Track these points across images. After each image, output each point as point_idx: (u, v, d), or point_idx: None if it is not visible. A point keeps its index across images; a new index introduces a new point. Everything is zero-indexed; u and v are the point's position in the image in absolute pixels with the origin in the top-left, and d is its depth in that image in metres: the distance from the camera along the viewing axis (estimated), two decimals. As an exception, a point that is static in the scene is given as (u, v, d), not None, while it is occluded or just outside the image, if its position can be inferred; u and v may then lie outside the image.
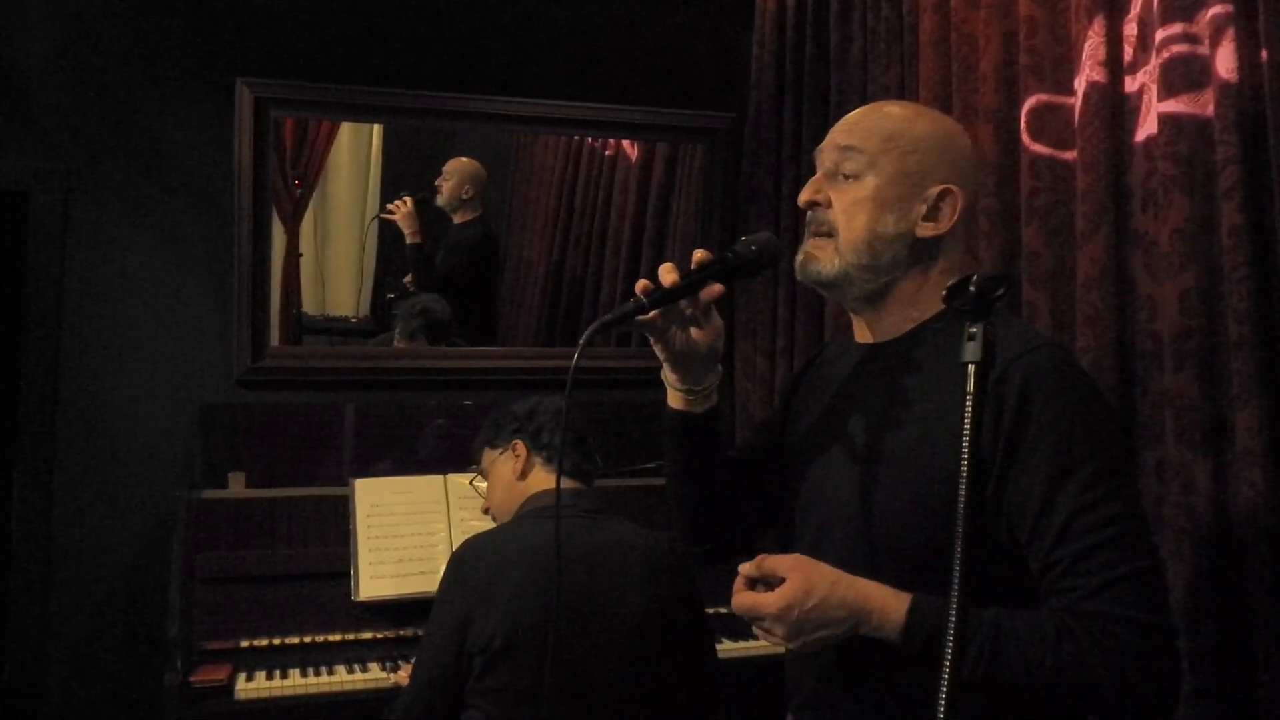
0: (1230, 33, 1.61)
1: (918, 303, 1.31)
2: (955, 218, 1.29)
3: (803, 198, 1.33)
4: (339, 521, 2.56)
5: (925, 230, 1.29)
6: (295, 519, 2.58)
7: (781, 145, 2.98)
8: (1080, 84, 1.91)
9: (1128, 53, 1.88)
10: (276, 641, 2.37)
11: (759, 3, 3.10)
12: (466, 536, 2.01)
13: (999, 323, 1.06)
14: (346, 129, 3.05)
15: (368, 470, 2.79)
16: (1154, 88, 1.78)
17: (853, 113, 1.37)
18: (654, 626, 1.90)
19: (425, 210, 3.09)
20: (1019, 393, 1.16)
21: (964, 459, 1.00)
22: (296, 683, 2.26)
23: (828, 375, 1.43)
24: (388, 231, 3.09)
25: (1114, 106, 1.88)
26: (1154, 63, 1.78)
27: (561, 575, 1.81)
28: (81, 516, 2.77)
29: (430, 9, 3.07)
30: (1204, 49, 1.68)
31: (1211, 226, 1.67)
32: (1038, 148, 2.03)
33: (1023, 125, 2.06)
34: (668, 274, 1.24)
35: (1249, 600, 1.56)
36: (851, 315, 1.38)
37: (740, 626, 2.44)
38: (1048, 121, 2.02)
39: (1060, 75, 2.02)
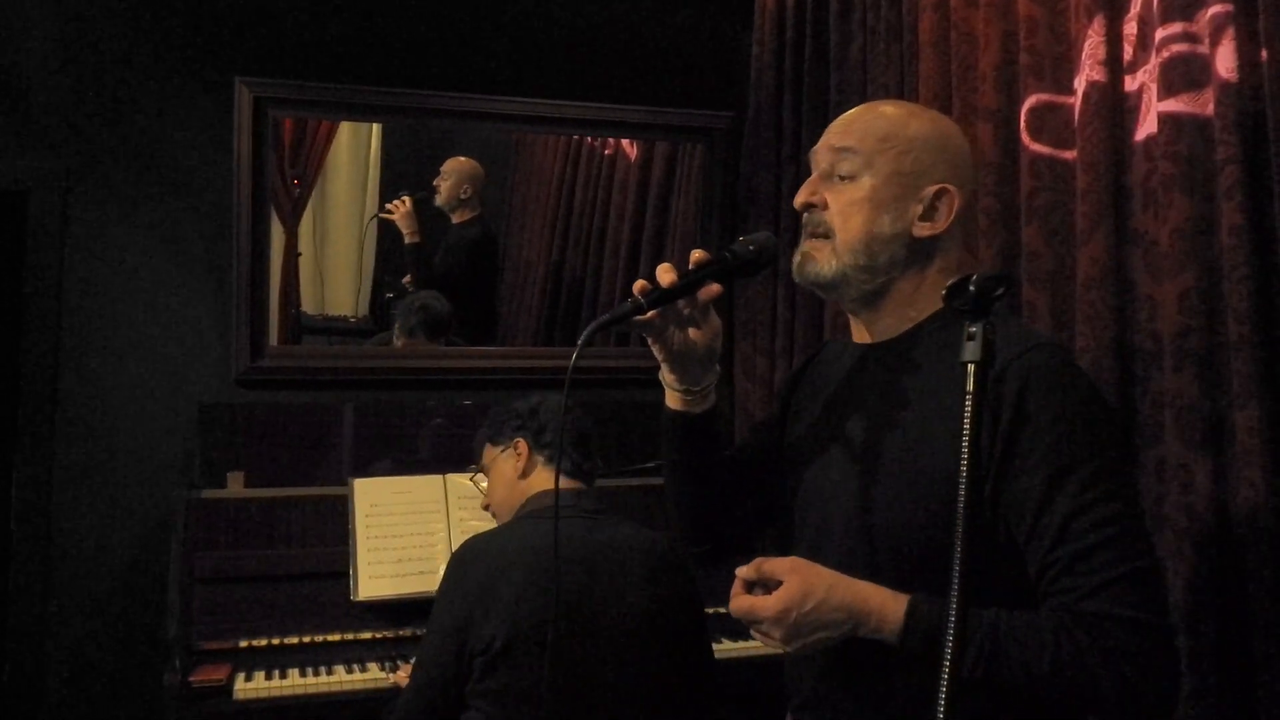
0: (1230, 32, 1.61)
1: (915, 303, 1.31)
2: (952, 217, 1.29)
3: (799, 200, 1.33)
4: (338, 521, 2.56)
5: (922, 230, 1.28)
6: (294, 519, 2.58)
7: (781, 144, 2.98)
8: (1080, 83, 1.91)
9: (1127, 52, 1.88)
10: (275, 641, 2.36)
11: (758, 2, 3.09)
12: (466, 536, 2.00)
13: (997, 322, 1.05)
14: (345, 128, 3.05)
15: (367, 470, 2.79)
16: (1154, 87, 1.78)
17: (847, 113, 1.37)
18: (654, 627, 1.90)
19: (424, 210, 3.09)
20: (1017, 392, 1.16)
21: (964, 459, 1.00)
22: (295, 683, 2.26)
23: (826, 375, 1.42)
24: (387, 231, 3.08)
25: (1114, 106, 1.88)
26: (1154, 62, 1.77)
27: (562, 576, 1.80)
28: (80, 516, 2.77)
29: (429, 8, 3.07)
30: (1204, 48, 1.67)
31: (1211, 226, 1.67)
32: (1037, 147, 2.02)
33: (1022, 125, 2.06)
34: (665, 274, 1.24)
35: (1249, 600, 1.56)
36: (849, 316, 1.38)
37: (740, 626, 2.43)
38: (1047, 121, 2.02)
39: (1060, 74, 2.02)
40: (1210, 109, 1.66)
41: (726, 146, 3.23)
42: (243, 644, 2.34)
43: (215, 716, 2.19)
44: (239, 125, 2.83)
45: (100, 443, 2.79)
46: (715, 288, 1.26)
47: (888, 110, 1.35)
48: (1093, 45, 1.88)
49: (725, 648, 2.47)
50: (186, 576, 2.41)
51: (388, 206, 3.07)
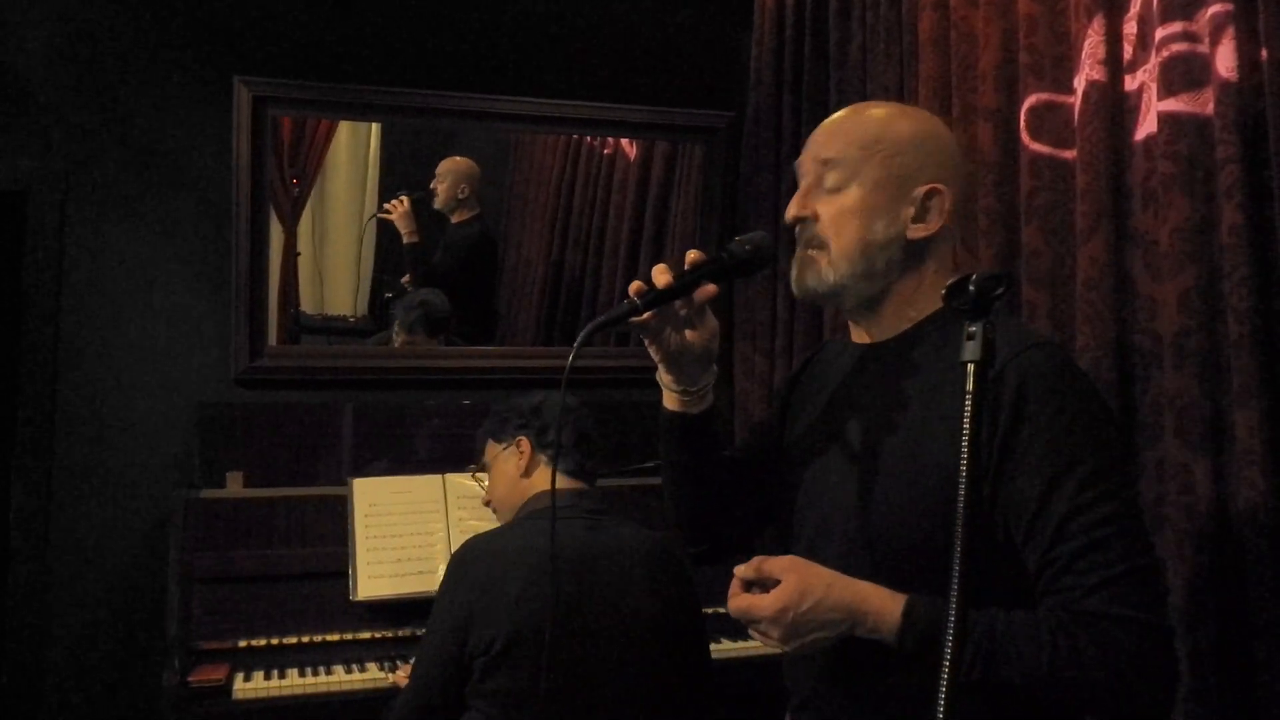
0: (1230, 31, 1.60)
1: (915, 303, 1.31)
2: (945, 216, 1.28)
3: (789, 215, 1.32)
4: (337, 521, 2.56)
5: (916, 232, 1.28)
6: (293, 518, 2.58)
7: (780, 144, 2.98)
8: (1080, 83, 1.91)
9: (1127, 51, 1.88)
10: (274, 641, 2.36)
11: (758, 1, 3.09)
12: (465, 536, 2.00)
13: (995, 322, 1.05)
14: (345, 128, 3.05)
15: (366, 469, 2.79)
16: (1154, 86, 1.78)
17: (828, 120, 1.36)
18: (655, 629, 1.90)
19: (422, 209, 3.08)
20: (1015, 392, 1.16)
21: (963, 459, 0.99)
22: (294, 683, 2.25)
23: (825, 375, 1.42)
24: (386, 230, 3.08)
25: (1114, 105, 1.88)
26: (1154, 61, 1.77)
27: (562, 577, 1.80)
28: (79, 516, 2.77)
29: (429, 8, 3.06)
30: (1204, 47, 1.67)
31: (1211, 226, 1.67)
32: (1037, 147, 2.02)
33: (1022, 124, 2.05)
34: (661, 275, 1.24)
35: (1249, 600, 1.55)
36: (849, 321, 1.38)
37: (739, 626, 2.43)
38: (1047, 120, 2.02)
39: (1060, 74, 2.02)
40: (1210, 108, 1.66)
41: (726, 146, 3.23)
42: (241, 644, 2.34)
43: (214, 716, 2.18)
44: (238, 124, 2.83)
45: (99, 442, 2.79)
46: (711, 288, 1.26)
47: (870, 114, 1.34)
48: (1093, 44, 1.88)
49: (725, 648, 2.46)
50: (185, 576, 2.41)
51: (385, 207, 3.06)
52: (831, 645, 1.19)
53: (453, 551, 1.93)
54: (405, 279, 3.11)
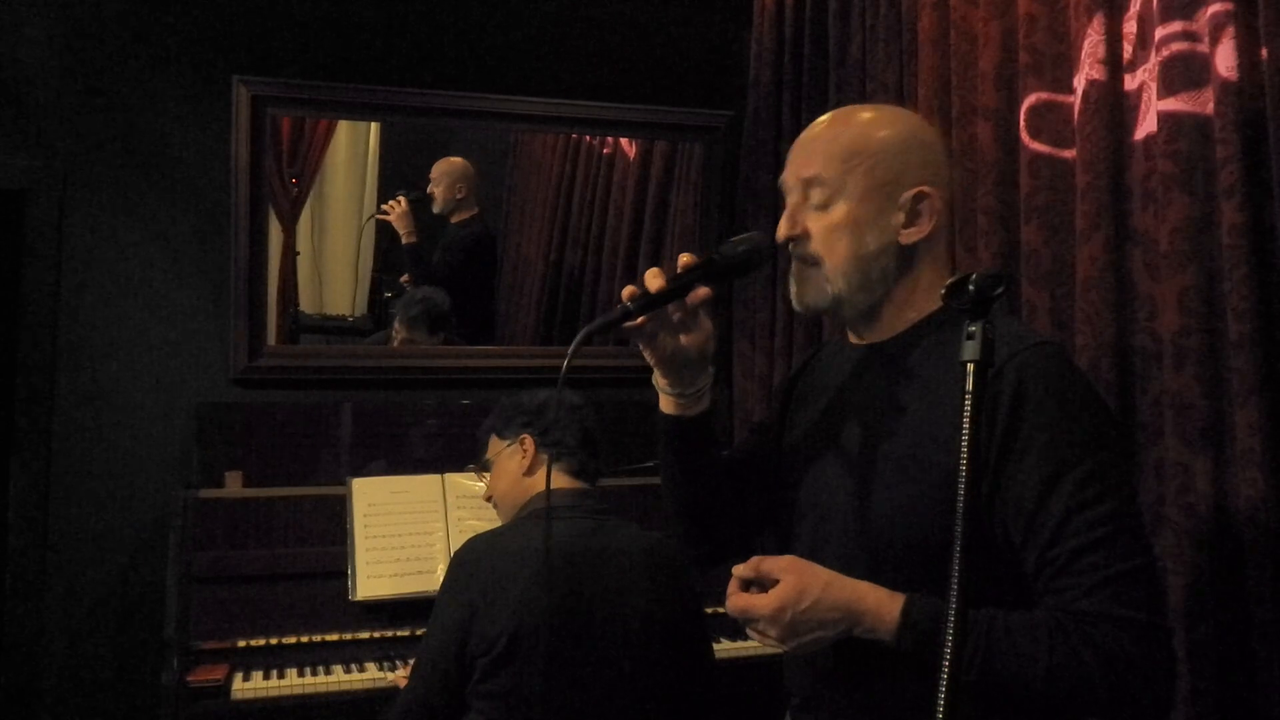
0: (1230, 30, 1.60)
1: (913, 304, 1.30)
2: (935, 218, 1.28)
3: (780, 234, 1.31)
4: (336, 521, 2.56)
5: (909, 237, 1.28)
6: (292, 518, 2.58)
7: (780, 143, 2.97)
8: (1080, 82, 1.91)
9: (1127, 51, 1.88)
10: (273, 641, 2.36)
11: (757, 1, 3.09)
12: (464, 536, 2.00)
13: (994, 321, 1.05)
14: (344, 127, 3.05)
15: (365, 469, 2.79)
16: (1154, 86, 1.77)
17: (806, 133, 1.34)
18: (656, 629, 1.89)
19: (420, 209, 3.08)
20: (1014, 391, 1.16)
21: (963, 458, 0.99)
22: (294, 682, 2.26)
23: (824, 375, 1.42)
24: (385, 230, 3.08)
25: (1113, 105, 1.87)
26: (1154, 61, 1.77)
27: (564, 578, 1.80)
28: (78, 515, 2.76)
29: (428, 7, 3.06)
30: (1204, 47, 1.67)
31: (1211, 225, 1.66)
32: (1037, 146, 2.02)
33: (1022, 123, 2.05)
34: (654, 279, 1.23)
35: (1248, 600, 1.55)
36: (849, 328, 1.38)
37: (739, 626, 2.43)
38: (1047, 120, 2.01)
39: (1060, 73, 2.02)
40: (1210, 108, 1.65)
41: (725, 145, 3.23)
42: (240, 643, 2.34)
43: (213, 716, 2.19)
44: (237, 124, 2.83)
45: (98, 442, 2.79)
46: (704, 291, 1.25)
47: (848, 123, 1.32)
48: (1092, 44, 1.88)
49: (724, 648, 2.46)
50: (184, 576, 2.41)
51: (383, 207, 3.06)
52: (831, 646, 1.18)
53: (452, 551, 1.93)
54: (404, 278, 3.10)
